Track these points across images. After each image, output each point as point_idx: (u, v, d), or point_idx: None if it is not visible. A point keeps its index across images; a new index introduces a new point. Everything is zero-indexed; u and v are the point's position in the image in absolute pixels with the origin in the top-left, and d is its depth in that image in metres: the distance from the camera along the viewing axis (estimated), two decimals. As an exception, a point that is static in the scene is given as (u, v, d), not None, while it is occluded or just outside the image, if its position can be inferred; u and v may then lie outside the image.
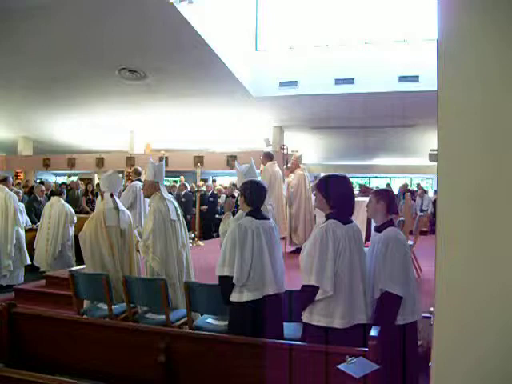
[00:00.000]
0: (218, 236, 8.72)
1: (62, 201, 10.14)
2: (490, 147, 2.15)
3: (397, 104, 12.98)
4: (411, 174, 24.50)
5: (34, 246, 9.82)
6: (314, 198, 4.29)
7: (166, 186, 6.22)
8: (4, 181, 9.30)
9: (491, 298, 2.15)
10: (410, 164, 22.78)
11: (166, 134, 18.67)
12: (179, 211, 5.86)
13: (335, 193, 3.69)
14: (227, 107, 14.71)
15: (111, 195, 6.18)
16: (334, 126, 16.16)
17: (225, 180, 22.56)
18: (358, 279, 3.65)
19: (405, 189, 16.70)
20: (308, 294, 3.59)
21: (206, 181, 17.43)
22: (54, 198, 10.09)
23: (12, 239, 9.04)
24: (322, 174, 7.53)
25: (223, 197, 15.10)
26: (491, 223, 2.15)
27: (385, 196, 4.15)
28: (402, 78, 12.91)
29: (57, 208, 9.88)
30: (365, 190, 12.88)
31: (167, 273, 5.58)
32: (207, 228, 14.28)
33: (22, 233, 9.40)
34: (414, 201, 15.79)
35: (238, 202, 4.49)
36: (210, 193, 14.81)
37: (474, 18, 2.16)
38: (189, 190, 14.00)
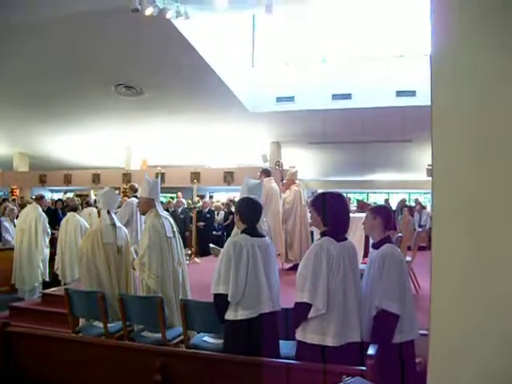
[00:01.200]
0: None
1: (78, 216, 10.06)
2: (485, 161, 2.15)
3: (394, 119, 13.04)
4: (409, 189, 24.50)
5: (56, 266, 9.75)
6: (309, 214, 4.32)
7: (162, 203, 6.17)
8: (40, 199, 9.47)
9: (488, 312, 2.15)
10: (408, 179, 22.80)
11: (162, 150, 18.68)
12: (175, 228, 5.84)
13: (330, 210, 3.71)
14: (224, 123, 14.71)
15: (108, 212, 6.18)
16: (331, 141, 16.20)
17: (221, 196, 22.50)
18: (352, 297, 3.64)
19: (403, 204, 16.70)
20: (301, 312, 3.59)
21: (202, 197, 17.42)
22: (69, 214, 10.03)
23: (38, 263, 9.49)
24: (320, 191, 7.59)
25: (221, 213, 15.05)
26: (487, 237, 2.15)
27: (381, 212, 4.15)
28: (400, 93, 12.97)
29: (72, 223, 9.79)
30: (362, 206, 12.87)
31: (163, 290, 5.55)
32: (204, 245, 13.91)
33: (47, 251, 9.77)
34: (413, 216, 15.74)
35: (234, 220, 4.49)
36: (206, 209, 14.74)
37: (466, 32, 2.18)
38: (185, 206, 13.94)
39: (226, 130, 15.57)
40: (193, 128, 15.50)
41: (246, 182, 5.27)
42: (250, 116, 13.90)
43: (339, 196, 3.81)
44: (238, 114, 13.78)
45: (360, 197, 25.59)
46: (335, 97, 13.27)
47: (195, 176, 15.99)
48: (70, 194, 20.45)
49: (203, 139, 16.74)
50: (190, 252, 11.32)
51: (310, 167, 20.77)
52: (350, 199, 18.65)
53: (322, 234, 3.73)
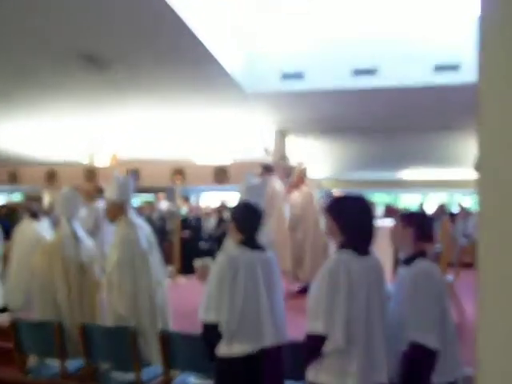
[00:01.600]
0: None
1: (35, 224, 9.73)
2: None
3: (432, 100, 12.79)
4: (451, 189, 24.33)
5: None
6: (324, 222, 4.26)
7: (135, 208, 6.13)
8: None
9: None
10: (450, 178, 22.61)
11: (137, 142, 18.41)
12: (152, 239, 5.81)
13: (349, 217, 3.70)
14: (215, 107, 14.39)
15: (68, 220, 6.14)
16: (350, 129, 15.89)
17: (212, 198, 22.08)
18: (378, 327, 3.60)
19: (442, 210, 16.61)
20: (313, 346, 3.55)
21: (187, 199, 17.39)
22: (25, 221, 9.82)
23: None
24: (336, 192, 7.18)
25: (211, 220, 15.01)
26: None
27: (414, 220, 4.12)
28: (439, 68, 12.62)
29: (27, 234, 9.53)
30: (391, 212, 13.12)
31: (137, 318, 5.51)
32: (189, 260, 13.66)
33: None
34: (455, 224, 15.62)
35: (228, 229, 4.53)
36: (192, 215, 14.74)
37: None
38: (163, 211, 13.83)
39: (217, 116, 15.19)
40: (175, 113, 15.18)
41: (246, 182, 5.37)
42: (248, 98, 13.45)
43: (361, 199, 3.80)
44: (232, 95, 13.34)
45: (387, 200, 25.66)
46: (356, 72, 12.89)
47: (178, 173, 15.86)
48: (17, 196, 20.21)
49: (189, 128, 16.42)
50: (171, 269, 11.40)
51: (323, 162, 20.57)
52: (374, 203, 18.54)
53: (340, 247, 3.70)
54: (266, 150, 14.04)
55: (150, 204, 15.38)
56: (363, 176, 23.45)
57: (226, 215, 13.77)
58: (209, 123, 16.06)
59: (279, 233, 8.85)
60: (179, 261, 12.14)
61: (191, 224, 14.37)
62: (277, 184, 9.33)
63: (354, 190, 22.49)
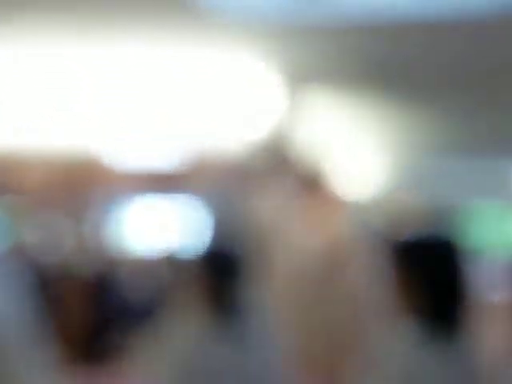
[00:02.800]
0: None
1: None
2: None
3: None
4: None
5: None
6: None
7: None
8: None
9: None
10: None
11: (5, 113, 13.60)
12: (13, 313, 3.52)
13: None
14: (161, 42, 9.50)
15: None
16: (417, 81, 11.14)
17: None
18: None
19: None
20: None
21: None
22: None
23: None
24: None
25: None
26: None
27: None
28: None
29: None
30: None
31: None
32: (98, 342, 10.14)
33: None
34: None
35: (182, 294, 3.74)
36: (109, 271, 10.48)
37: None
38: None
39: (164, 64, 10.26)
40: (82, 54, 9.74)
41: (212, 203, 5.27)
42: (224, 26, 8.77)
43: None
44: (194, 20, 8.65)
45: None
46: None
47: (78, 179, 11.66)
48: None
49: (107, 85, 10.90)
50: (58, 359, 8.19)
51: (372, 145, 15.12)
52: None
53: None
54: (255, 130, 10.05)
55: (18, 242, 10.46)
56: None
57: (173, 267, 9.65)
58: (151, 79, 10.66)
59: (285, 305, 6.02)
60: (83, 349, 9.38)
61: (104, 286, 10.63)
62: (278, 203, 6.86)
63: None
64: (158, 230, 14.18)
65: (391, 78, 11.02)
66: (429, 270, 2.66)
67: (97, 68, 10.24)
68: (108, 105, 11.41)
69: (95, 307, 10.14)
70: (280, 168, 8.67)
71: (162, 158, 13.00)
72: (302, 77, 11.02)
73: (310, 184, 6.97)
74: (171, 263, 9.93)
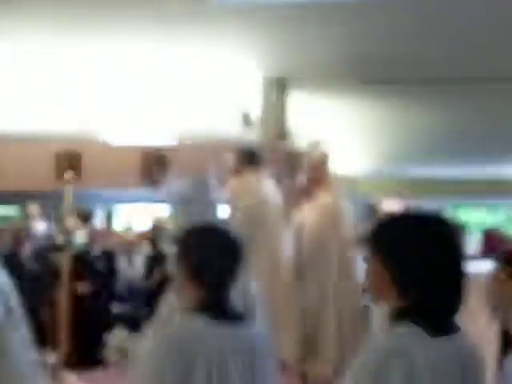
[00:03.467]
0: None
1: None
2: None
3: None
4: None
5: None
6: (362, 266, 3.69)
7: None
8: None
9: None
10: None
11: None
12: (14, 300, 4.48)
13: (416, 257, 2.49)
14: (141, 32, 9.08)
15: None
16: (409, 77, 10.50)
17: (136, 214, 17.10)
18: None
19: None
20: None
21: (87, 217, 11.29)
22: None
23: None
24: (387, 203, 8.68)
25: (137, 260, 10.88)
26: None
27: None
28: None
29: None
30: (494, 244, 11.39)
31: None
32: (90, 339, 9.27)
33: None
34: None
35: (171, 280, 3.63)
36: (98, 250, 10.38)
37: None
38: (45, 238, 10.64)
39: (148, 51, 9.75)
40: (64, 47, 9.50)
41: (172, 190, 4.62)
42: (208, 11, 8.34)
43: (438, 221, 2.57)
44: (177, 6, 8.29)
45: (487, 220, 18.25)
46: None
47: (70, 165, 10.26)
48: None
49: (89, 77, 10.53)
50: (52, 358, 8.24)
51: (362, 144, 14.70)
52: (463, 228, 12.66)
53: (397, 318, 2.49)
54: (245, 118, 9.69)
55: (13, 226, 10.50)
56: (438, 172, 16.88)
57: (167, 250, 9.69)
58: (132, 63, 10.29)
59: (274, 286, 6.66)
60: (69, 342, 9.20)
61: (95, 267, 10.19)
62: (268, 187, 6.97)
63: (422, 201, 16.08)
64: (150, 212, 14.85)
65: (388, 75, 10.46)
66: (402, 255, 2.55)
67: (92, 55, 9.74)
68: (101, 89, 11.08)
69: (83, 301, 9.71)
70: (278, 155, 8.69)
71: (152, 140, 13.26)
72: (291, 73, 10.68)
73: (309, 171, 7.31)
74: (167, 237, 9.66)
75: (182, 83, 11.04)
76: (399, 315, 2.49)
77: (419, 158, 16.34)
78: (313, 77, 10.60)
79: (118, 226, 14.17)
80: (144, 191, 12.10)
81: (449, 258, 2.55)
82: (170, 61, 10.25)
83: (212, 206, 4.44)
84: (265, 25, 9.06)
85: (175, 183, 4.64)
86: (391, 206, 13.06)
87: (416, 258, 2.46)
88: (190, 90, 11.36)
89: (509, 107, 11.83)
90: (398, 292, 2.49)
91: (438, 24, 8.52)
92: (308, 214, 7.07)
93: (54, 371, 8.02)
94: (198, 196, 4.39)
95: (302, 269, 7.04)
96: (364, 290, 5.78)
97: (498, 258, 3.64)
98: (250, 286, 4.37)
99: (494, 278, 3.47)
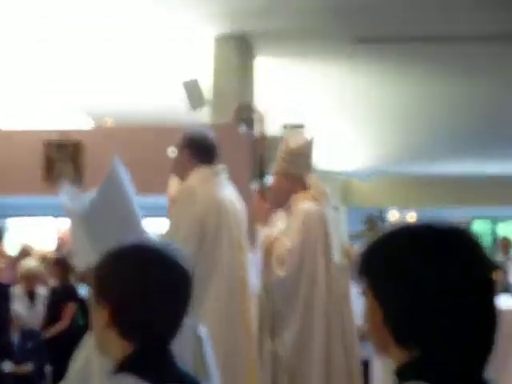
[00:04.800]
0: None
1: None
2: None
3: None
4: None
5: None
6: (357, 298, 4.00)
7: None
8: None
9: None
10: None
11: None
12: None
13: (430, 292, 1.79)
14: None
15: None
16: (409, 34, 9.01)
17: (38, 228, 14.75)
18: None
19: None
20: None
21: None
22: None
23: None
24: (393, 214, 6.60)
25: (38, 295, 9.24)
26: None
27: None
28: None
29: None
30: None
31: None
32: None
33: None
34: None
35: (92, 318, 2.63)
36: None
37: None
38: None
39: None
40: None
41: (69, 206, 3.46)
42: None
43: (455, 240, 1.79)
44: None
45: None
46: None
47: None
48: None
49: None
50: None
51: (358, 130, 12.66)
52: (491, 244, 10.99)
53: (403, 375, 1.86)
54: (189, 93, 9.11)
55: None
56: (454, 169, 14.63)
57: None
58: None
59: (234, 329, 5.34)
60: None
61: None
62: (225, 190, 5.62)
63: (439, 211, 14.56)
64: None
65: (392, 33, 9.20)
66: (407, 287, 2.12)
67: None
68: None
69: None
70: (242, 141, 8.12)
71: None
72: (259, 26, 9.47)
73: (283, 164, 6.30)
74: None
75: (108, 48, 9.49)
76: (404, 373, 2.01)
77: (424, 151, 14.50)
78: (286, 35, 9.13)
79: (10, 246, 11.14)
80: (48, 199, 9.02)
81: (467, 289, 1.94)
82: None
83: (135, 218, 3.49)
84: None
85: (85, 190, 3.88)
86: (396, 215, 11.66)
87: (416, 290, 1.92)
88: (119, 59, 9.79)
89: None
90: (399, 343, 2.05)
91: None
92: (283, 226, 5.84)
93: None
94: (113, 205, 3.48)
95: (273, 305, 5.79)
96: (363, 337, 5.29)
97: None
98: (200, 332, 3.68)
99: None
